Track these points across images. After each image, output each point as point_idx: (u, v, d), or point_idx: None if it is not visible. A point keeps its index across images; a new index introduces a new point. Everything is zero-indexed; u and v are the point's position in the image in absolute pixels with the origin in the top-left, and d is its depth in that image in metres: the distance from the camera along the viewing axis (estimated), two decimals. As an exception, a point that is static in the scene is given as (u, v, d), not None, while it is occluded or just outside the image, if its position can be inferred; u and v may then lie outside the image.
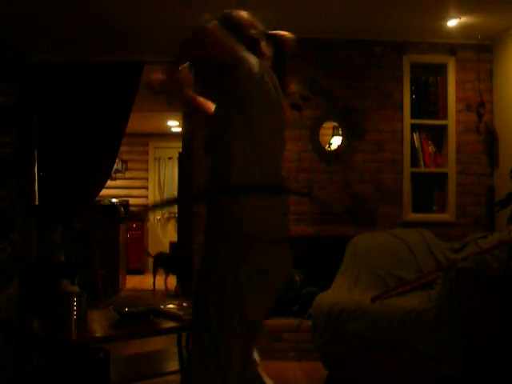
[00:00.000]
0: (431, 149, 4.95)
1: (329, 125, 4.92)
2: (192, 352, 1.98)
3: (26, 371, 2.63)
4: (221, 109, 2.02)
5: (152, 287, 7.74)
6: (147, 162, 10.40)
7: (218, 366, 1.88)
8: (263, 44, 2.08)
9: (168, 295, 7.24)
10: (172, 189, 9.98)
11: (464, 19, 4.35)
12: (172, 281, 7.52)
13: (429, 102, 4.96)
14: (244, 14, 2.11)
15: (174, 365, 3.30)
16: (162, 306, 3.23)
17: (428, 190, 4.96)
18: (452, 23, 4.43)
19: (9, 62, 4.95)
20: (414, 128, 4.90)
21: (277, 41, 2.11)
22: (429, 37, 4.82)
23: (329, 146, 4.92)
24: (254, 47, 2.03)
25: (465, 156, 4.90)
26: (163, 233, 10.28)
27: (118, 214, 8.16)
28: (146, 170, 10.41)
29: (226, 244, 1.92)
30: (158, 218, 10.34)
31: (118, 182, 10.02)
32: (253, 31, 2.06)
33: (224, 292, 1.90)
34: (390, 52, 4.90)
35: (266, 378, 2.25)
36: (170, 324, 2.94)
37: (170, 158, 10.30)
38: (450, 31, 4.58)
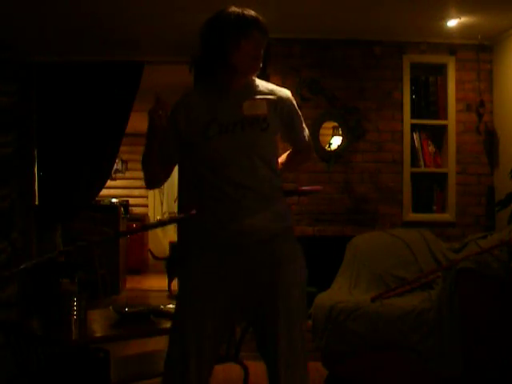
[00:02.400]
0: (431, 149, 4.94)
1: (329, 125, 4.92)
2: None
3: (26, 371, 2.63)
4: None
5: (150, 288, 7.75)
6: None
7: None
8: None
9: (170, 296, 7.23)
10: (172, 189, 9.97)
11: (464, 19, 4.35)
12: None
13: (429, 102, 4.95)
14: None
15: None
16: (161, 306, 3.24)
17: (428, 190, 4.96)
18: (452, 23, 4.43)
19: (9, 62, 4.95)
20: (414, 128, 4.90)
21: None
22: (429, 37, 4.81)
23: (329, 146, 4.91)
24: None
25: (465, 156, 4.90)
26: (163, 233, 10.27)
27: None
28: (146, 170, 10.39)
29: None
30: (158, 218, 10.34)
31: (118, 182, 10.01)
32: None
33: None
34: (390, 52, 4.89)
35: None
36: (170, 324, 2.94)
37: (170, 158, 10.27)
38: (450, 31, 4.58)
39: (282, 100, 2.11)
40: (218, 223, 2.00)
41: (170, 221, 3.14)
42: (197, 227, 2.07)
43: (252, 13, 2.05)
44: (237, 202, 1.99)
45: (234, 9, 2.05)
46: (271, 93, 2.10)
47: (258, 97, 2.07)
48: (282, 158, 2.27)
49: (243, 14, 2.03)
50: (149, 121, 2.00)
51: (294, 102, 2.17)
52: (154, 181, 2.21)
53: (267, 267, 2.01)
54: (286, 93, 2.15)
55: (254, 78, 2.12)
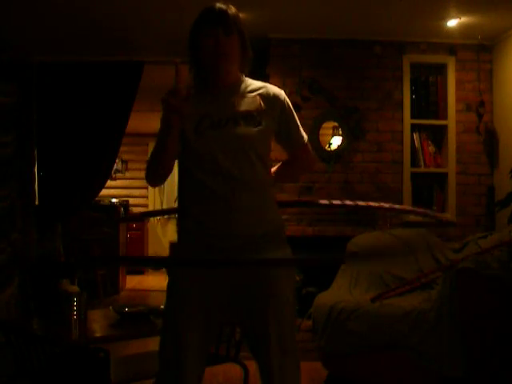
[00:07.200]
0: (431, 149, 4.94)
1: (329, 125, 4.92)
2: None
3: (26, 371, 2.63)
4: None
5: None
6: (147, 162, 10.38)
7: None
8: None
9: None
10: (172, 189, 9.97)
11: (464, 19, 4.35)
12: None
13: (429, 102, 4.96)
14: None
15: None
16: (161, 306, 3.23)
17: (428, 189, 4.96)
18: (452, 23, 4.43)
19: (9, 61, 4.95)
20: (414, 128, 4.90)
21: None
22: (429, 37, 4.82)
23: (329, 146, 4.92)
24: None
25: (465, 156, 4.90)
26: (163, 233, 10.28)
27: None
28: (146, 170, 10.40)
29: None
30: (158, 218, 10.34)
31: (118, 182, 10.02)
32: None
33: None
34: (390, 52, 4.89)
35: None
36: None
37: (169, 158, 10.27)
38: (450, 31, 4.58)
39: (274, 97, 2.02)
40: (204, 225, 1.92)
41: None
42: (183, 229, 2.00)
43: (210, 8, 1.95)
44: (225, 201, 1.89)
45: (206, 6, 1.98)
46: (263, 89, 2.03)
47: (251, 94, 2.01)
48: (274, 168, 2.16)
49: (202, 12, 1.97)
50: (163, 111, 1.86)
51: (288, 101, 2.06)
52: (161, 179, 2.09)
53: (257, 274, 1.91)
54: (278, 90, 2.06)
55: (244, 76, 2.06)
